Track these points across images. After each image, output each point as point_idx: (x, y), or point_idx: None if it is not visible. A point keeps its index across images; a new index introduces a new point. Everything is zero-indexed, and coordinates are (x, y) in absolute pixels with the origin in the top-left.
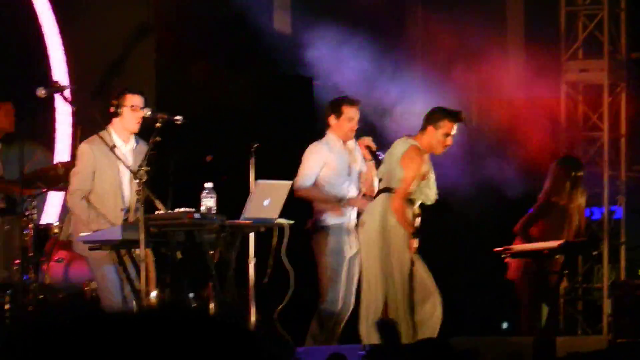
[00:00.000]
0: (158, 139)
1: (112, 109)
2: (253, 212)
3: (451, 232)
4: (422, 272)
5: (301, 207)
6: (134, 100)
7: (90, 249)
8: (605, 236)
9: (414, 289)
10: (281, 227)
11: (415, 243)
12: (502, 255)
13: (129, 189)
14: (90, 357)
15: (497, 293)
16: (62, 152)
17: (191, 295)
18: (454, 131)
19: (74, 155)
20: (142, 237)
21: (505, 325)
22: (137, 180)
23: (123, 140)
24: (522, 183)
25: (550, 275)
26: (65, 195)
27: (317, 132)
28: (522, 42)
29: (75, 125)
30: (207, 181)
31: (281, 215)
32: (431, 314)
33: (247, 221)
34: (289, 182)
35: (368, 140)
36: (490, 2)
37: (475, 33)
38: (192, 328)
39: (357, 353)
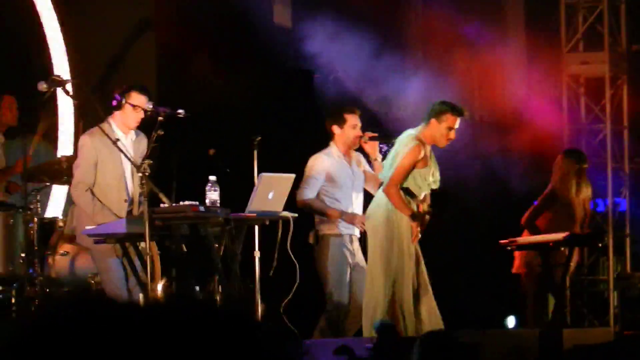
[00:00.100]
0: (161, 132)
1: (114, 102)
2: (257, 205)
3: (456, 225)
4: (422, 265)
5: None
6: (138, 99)
7: (95, 242)
8: (610, 228)
9: (420, 280)
10: (286, 220)
11: (416, 227)
12: (508, 248)
13: (131, 180)
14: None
15: (502, 286)
16: (65, 146)
17: (197, 288)
18: (457, 125)
19: (76, 149)
20: (146, 230)
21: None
22: (141, 174)
23: (123, 132)
24: (525, 175)
25: (556, 267)
26: (69, 188)
27: (318, 125)
28: (523, 36)
29: (78, 119)
30: (211, 174)
31: (285, 209)
32: (435, 307)
33: (252, 214)
34: (292, 175)
35: (368, 134)
36: None
37: (476, 26)
38: (199, 320)
39: (364, 346)
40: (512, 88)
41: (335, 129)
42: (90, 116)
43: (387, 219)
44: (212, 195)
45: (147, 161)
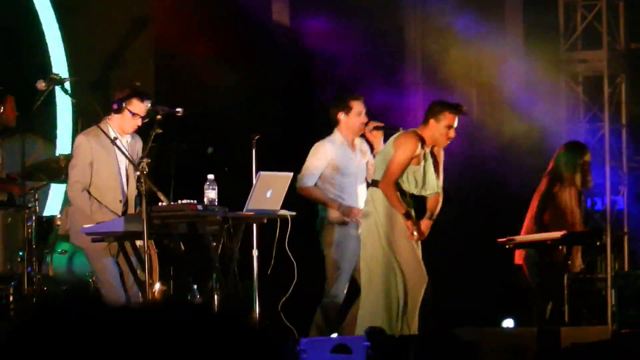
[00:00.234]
0: (159, 131)
1: (115, 106)
2: (255, 204)
3: (454, 223)
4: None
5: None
6: (139, 107)
7: (93, 240)
8: (608, 227)
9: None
10: (284, 219)
11: (410, 225)
12: (506, 246)
13: (126, 181)
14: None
15: (500, 284)
16: (63, 145)
17: (194, 287)
18: (455, 123)
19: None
20: (145, 228)
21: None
22: (138, 173)
23: (119, 134)
24: (523, 174)
25: (554, 265)
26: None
27: (317, 123)
28: (521, 34)
29: (76, 117)
30: (209, 173)
31: (283, 207)
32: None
33: (250, 213)
34: (290, 174)
35: (372, 124)
36: None
37: (474, 24)
38: (194, 323)
39: (362, 345)
40: (511, 86)
41: (341, 116)
42: (88, 114)
43: (386, 217)
44: (210, 193)
45: (145, 160)
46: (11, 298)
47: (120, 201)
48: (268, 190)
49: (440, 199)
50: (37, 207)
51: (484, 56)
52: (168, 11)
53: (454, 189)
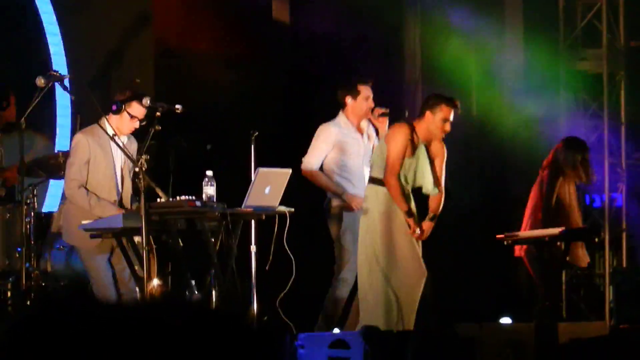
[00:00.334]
0: (158, 128)
1: (114, 107)
2: (254, 200)
3: (454, 220)
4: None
5: (304, 193)
6: (138, 110)
7: (91, 236)
8: (606, 223)
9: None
10: (282, 215)
11: (412, 222)
12: (504, 242)
13: (121, 181)
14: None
15: (498, 280)
16: (62, 142)
17: (193, 283)
18: (451, 117)
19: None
20: (143, 224)
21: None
22: (138, 169)
23: (116, 134)
24: (522, 171)
25: (552, 261)
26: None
27: (315, 120)
28: (521, 30)
29: (75, 114)
30: (208, 169)
31: (282, 203)
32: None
33: (248, 209)
34: (289, 170)
35: (379, 110)
36: None
37: (474, 22)
38: (191, 321)
39: (360, 340)
40: (510, 83)
41: (348, 99)
42: (87, 112)
43: (383, 212)
44: (209, 190)
45: (144, 156)
46: (9, 294)
47: (115, 200)
48: (267, 187)
49: (442, 199)
50: (36, 203)
51: (484, 53)
52: (168, 9)
53: (453, 187)
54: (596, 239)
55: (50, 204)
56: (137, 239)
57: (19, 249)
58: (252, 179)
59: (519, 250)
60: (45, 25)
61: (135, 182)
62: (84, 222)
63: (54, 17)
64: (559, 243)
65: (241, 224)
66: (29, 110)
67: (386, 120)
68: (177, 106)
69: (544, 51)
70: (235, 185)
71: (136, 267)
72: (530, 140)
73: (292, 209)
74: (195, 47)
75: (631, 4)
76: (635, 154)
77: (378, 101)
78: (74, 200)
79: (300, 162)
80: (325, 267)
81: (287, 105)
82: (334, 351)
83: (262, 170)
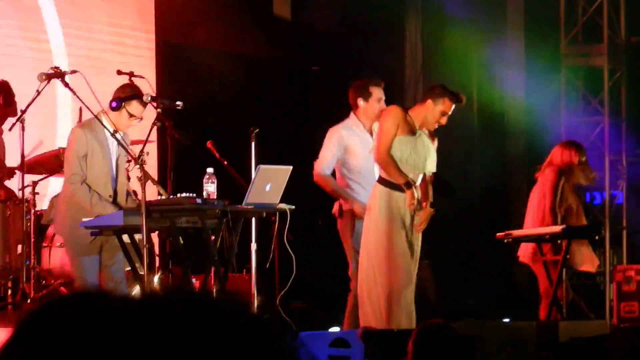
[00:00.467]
0: (159, 124)
1: (114, 104)
2: (255, 197)
3: (454, 218)
4: (417, 253)
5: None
6: (138, 110)
7: (92, 234)
8: (607, 221)
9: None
10: (283, 212)
11: (410, 195)
12: (504, 241)
13: (116, 175)
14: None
15: (500, 278)
16: (63, 138)
17: (193, 280)
18: (450, 112)
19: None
20: (143, 222)
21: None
22: (139, 166)
23: (116, 130)
24: (523, 168)
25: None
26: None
27: (315, 117)
28: (522, 27)
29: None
30: (208, 166)
31: (282, 200)
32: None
33: (249, 206)
34: (290, 167)
35: None
36: None
37: (475, 17)
38: (196, 312)
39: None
40: (511, 79)
41: (360, 101)
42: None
43: (385, 212)
44: (209, 187)
45: (145, 151)
46: (9, 291)
47: (110, 196)
48: (267, 184)
49: (430, 186)
50: (36, 201)
51: (485, 49)
52: (169, 5)
53: (455, 184)
54: (597, 237)
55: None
56: (137, 236)
57: (19, 247)
58: (253, 176)
59: (522, 257)
60: (45, 18)
61: (138, 177)
62: (84, 219)
63: (55, 11)
64: (559, 241)
65: (242, 222)
66: (28, 106)
67: None
68: (178, 102)
69: (544, 47)
70: (235, 182)
71: (137, 266)
72: (531, 135)
73: (293, 206)
74: (196, 43)
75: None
76: (635, 151)
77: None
78: (75, 196)
79: (302, 159)
80: (326, 265)
81: (288, 101)
82: (334, 350)
83: (262, 167)
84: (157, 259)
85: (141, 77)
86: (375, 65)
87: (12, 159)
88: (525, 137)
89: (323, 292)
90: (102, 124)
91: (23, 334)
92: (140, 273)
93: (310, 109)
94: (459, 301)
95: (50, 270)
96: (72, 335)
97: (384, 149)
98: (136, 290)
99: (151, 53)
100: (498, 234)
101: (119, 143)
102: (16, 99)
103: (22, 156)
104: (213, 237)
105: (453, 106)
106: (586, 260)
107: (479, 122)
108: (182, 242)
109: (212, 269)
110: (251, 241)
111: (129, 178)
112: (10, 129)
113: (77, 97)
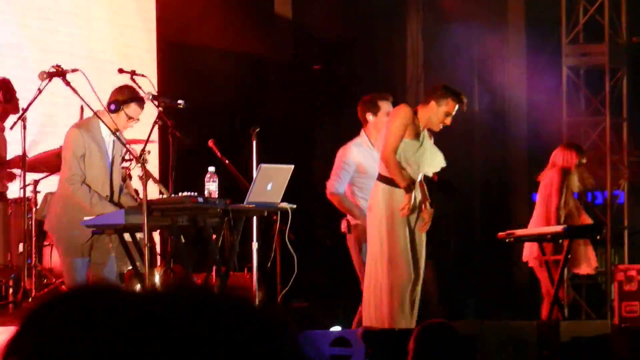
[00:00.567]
0: (160, 123)
1: (112, 107)
2: (256, 196)
3: (456, 218)
4: (420, 253)
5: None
6: (136, 112)
7: (94, 232)
8: (608, 220)
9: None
10: (284, 211)
11: (409, 199)
12: (506, 240)
13: (110, 176)
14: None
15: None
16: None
17: (194, 279)
18: (454, 112)
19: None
20: (145, 221)
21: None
22: (140, 165)
23: (109, 130)
24: (525, 168)
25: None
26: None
27: (317, 116)
28: (523, 26)
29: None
30: (210, 165)
31: (284, 200)
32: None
33: (250, 205)
34: (291, 166)
35: None
36: None
37: (477, 17)
38: (199, 307)
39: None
40: (512, 79)
41: (369, 116)
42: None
43: (386, 210)
44: (211, 186)
45: (147, 150)
46: (11, 290)
47: (107, 196)
48: (269, 183)
49: (424, 184)
50: (37, 199)
51: (486, 49)
52: (171, 4)
53: (457, 184)
54: (598, 237)
55: None
56: (139, 235)
57: (21, 246)
58: (254, 175)
59: (526, 257)
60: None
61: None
62: (86, 218)
63: (56, 9)
64: (561, 241)
65: (243, 221)
66: (29, 104)
67: None
68: (180, 101)
69: (546, 46)
70: (237, 181)
71: (138, 264)
72: (532, 136)
73: (294, 206)
74: (197, 42)
75: None
76: (637, 151)
77: None
78: (75, 195)
79: (303, 158)
80: (327, 265)
81: (289, 101)
82: (335, 349)
83: (264, 166)
84: (158, 257)
85: (143, 75)
86: (377, 65)
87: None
88: (526, 136)
89: (324, 292)
90: (105, 124)
91: (28, 329)
92: (142, 272)
93: (311, 108)
94: (459, 301)
95: (52, 269)
96: (77, 331)
97: (391, 149)
98: (137, 288)
99: (153, 52)
100: (500, 233)
101: (120, 142)
102: (18, 97)
103: (24, 154)
104: (214, 236)
105: (456, 106)
106: (582, 262)
107: (480, 122)
108: (183, 241)
109: (214, 268)
110: (252, 240)
111: (130, 177)
112: (11, 128)
113: (79, 95)
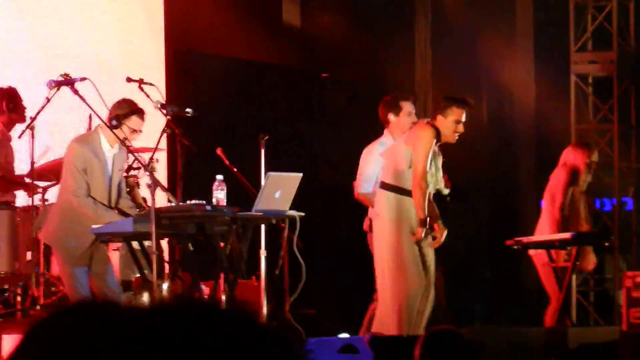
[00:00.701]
0: (168, 131)
1: (113, 122)
2: (264, 204)
3: (462, 223)
4: (429, 263)
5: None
6: (137, 124)
7: (102, 241)
8: (616, 227)
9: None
10: (292, 219)
11: (420, 232)
12: (514, 247)
13: (112, 190)
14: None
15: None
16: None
17: (202, 287)
18: (464, 118)
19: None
20: (153, 229)
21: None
22: (148, 173)
23: (110, 145)
24: (532, 175)
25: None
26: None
27: (325, 124)
28: (532, 34)
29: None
30: (218, 173)
31: (292, 208)
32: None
33: (259, 213)
34: (300, 175)
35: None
36: None
37: (485, 24)
38: (203, 322)
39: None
40: (520, 86)
41: (391, 116)
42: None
43: (393, 218)
44: (219, 194)
45: (155, 158)
46: (19, 298)
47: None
48: (277, 191)
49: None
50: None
51: (494, 56)
52: (179, 11)
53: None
54: (606, 243)
55: None
56: (147, 243)
57: (29, 253)
58: (262, 183)
59: (532, 251)
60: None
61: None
62: (94, 226)
63: (64, 17)
64: (569, 247)
65: (251, 229)
66: (37, 113)
67: None
68: (188, 110)
69: (554, 54)
70: (245, 189)
71: (146, 272)
72: (541, 143)
73: (302, 214)
74: (206, 50)
75: None
76: None
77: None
78: (81, 207)
79: (311, 166)
80: (335, 271)
81: (298, 109)
82: (343, 356)
83: (272, 174)
84: (166, 265)
85: (151, 84)
86: (385, 74)
87: (21, 166)
88: (534, 144)
89: (332, 299)
90: (117, 137)
91: (31, 343)
92: (150, 280)
93: (320, 116)
94: (466, 307)
95: (60, 277)
96: (79, 345)
97: (422, 174)
98: (145, 297)
99: (161, 59)
100: (507, 241)
101: (128, 151)
102: (26, 105)
103: (32, 163)
104: (222, 244)
105: (464, 112)
106: (584, 260)
107: (489, 130)
108: (191, 249)
109: (222, 276)
110: (260, 248)
111: (138, 185)
112: (20, 137)
113: (87, 104)
